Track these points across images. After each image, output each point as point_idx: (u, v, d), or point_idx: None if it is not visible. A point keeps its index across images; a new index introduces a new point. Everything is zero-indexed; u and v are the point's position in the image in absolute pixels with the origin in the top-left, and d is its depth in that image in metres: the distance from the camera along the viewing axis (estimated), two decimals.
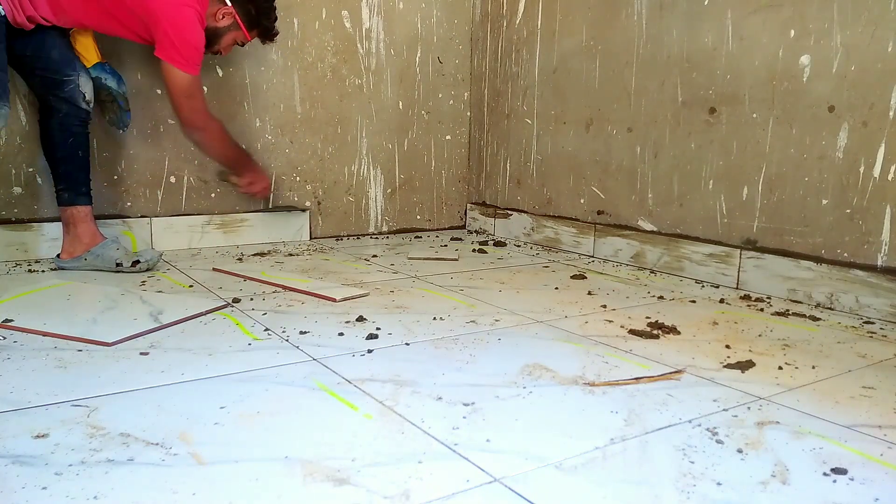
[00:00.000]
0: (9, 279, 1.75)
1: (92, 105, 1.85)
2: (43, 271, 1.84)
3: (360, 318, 1.46)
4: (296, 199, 2.43)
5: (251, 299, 1.61)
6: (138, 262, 1.85)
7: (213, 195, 2.26)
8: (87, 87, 1.83)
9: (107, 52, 1.98)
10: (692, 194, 1.96)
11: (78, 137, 1.85)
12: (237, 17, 1.93)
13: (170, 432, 0.91)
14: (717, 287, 1.86)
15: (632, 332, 1.43)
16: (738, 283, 1.85)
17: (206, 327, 1.39)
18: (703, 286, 1.88)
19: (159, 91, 2.11)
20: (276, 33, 2.05)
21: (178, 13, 1.77)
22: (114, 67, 1.94)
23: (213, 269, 1.92)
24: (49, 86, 1.79)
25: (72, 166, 1.85)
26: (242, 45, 2.04)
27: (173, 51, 1.78)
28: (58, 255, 1.87)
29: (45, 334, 1.30)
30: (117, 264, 1.84)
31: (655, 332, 1.42)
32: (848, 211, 1.62)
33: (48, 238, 1.98)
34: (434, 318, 1.49)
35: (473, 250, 2.36)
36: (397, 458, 0.86)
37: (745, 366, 1.23)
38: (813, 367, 1.25)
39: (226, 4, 1.93)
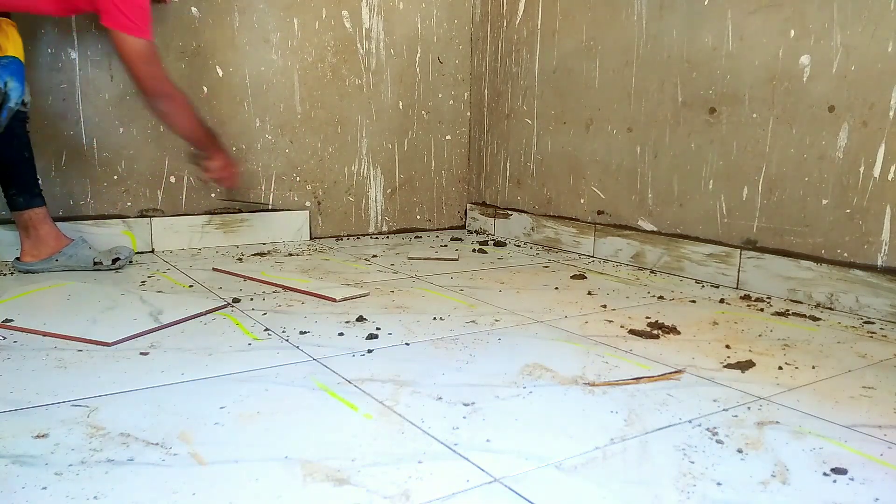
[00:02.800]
0: (9, 279, 1.75)
1: (29, 105, 1.75)
2: (41, 272, 1.84)
3: (360, 318, 1.46)
4: (295, 199, 2.43)
5: (251, 299, 1.61)
6: (118, 259, 1.86)
7: (212, 195, 2.26)
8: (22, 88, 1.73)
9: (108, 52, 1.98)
10: (692, 194, 1.96)
11: (21, 138, 1.77)
12: None
13: (170, 432, 0.91)
14: (717, 287, 1.86)
15: (632, 332, 1.43)
16: (738, 283, 1.85)
17: (206, 327, 1.39)
18: (703, 286, 1.88)
19: None
20: None
21: None
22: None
23: (214, 269, 1.92)
24: None
25: (21, 169, 1.78)
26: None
27: (121, 16, 1.65)
28: (16, 259, 1.82)
29: (45, 334, 1.30)
30: (95, 262, 1.83)
31: (655, 332, 1.42)
32: (848, 211, 1.62)
33: None
34: (434, 318, 1.49)
35: (473, 250, 2.36)
36: (397, 458, 0.86)
37: (745, 366, 1.23)
38: (813, 367, 1.25)
39: None
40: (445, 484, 0.80)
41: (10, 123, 1.70)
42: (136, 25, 1.67)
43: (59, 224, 1.88)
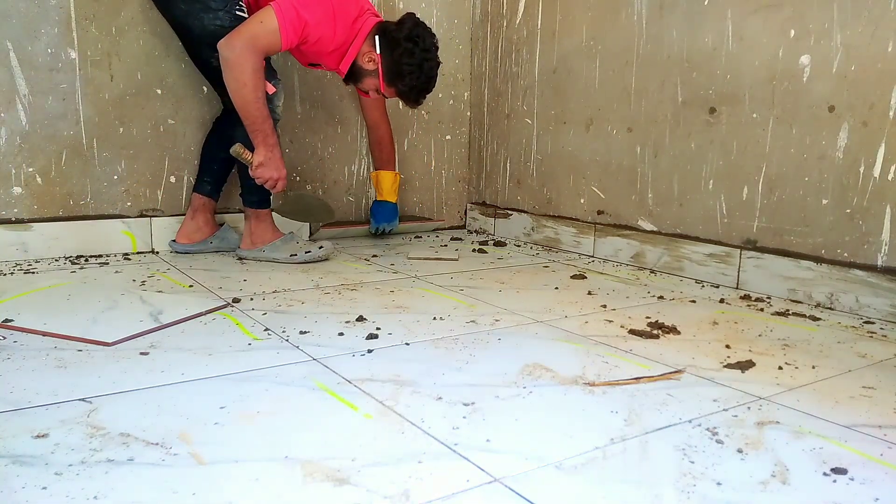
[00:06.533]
0: (9, 279, 1.75)
1: (281, 113, 1.97)
2: (40, 272, 1.84)
3: (360, 318, 1.46)
4: None
5: (251, 299, 1.61)
6: (310, 252, 2.02)
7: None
8: (281, 95, 1.95)
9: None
10: (692, 194, 1.96)
11: None
12: (380, 66, 1.90)
13: (170, 432, 0.91)
14: (717, 287, 1.86)
15: (632, 332, 1.43)
16: (738, 283, 1.85)
17: (206, 327, 1.39)
18: (703, 286, 1.88)
19: (159, 91, 2.11)
20: (416, 103, 1.98)
21: None
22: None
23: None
24: None
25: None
26: (386, 96, 2.00)
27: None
28: (239, 247, 2.07)
29: (45, 334, 1.30)
30: (291, 255, 2.01)
31: (655, 332, 1.42)
32: (848, 211, 1.62)
33: (48, 238, 1.98)
34: (434, 318, 1.49)
35: (473, 250, 2.36)
36: (397, 458, 0.86)
37: (745, 366, 1.23)
38: (813, 367, 1.25)
39: (375, 50, 1.89)
40: (445, 484, 0.80)
41: None
42: (282, 9, 1.75)
43: (57, 223, 1.88)
